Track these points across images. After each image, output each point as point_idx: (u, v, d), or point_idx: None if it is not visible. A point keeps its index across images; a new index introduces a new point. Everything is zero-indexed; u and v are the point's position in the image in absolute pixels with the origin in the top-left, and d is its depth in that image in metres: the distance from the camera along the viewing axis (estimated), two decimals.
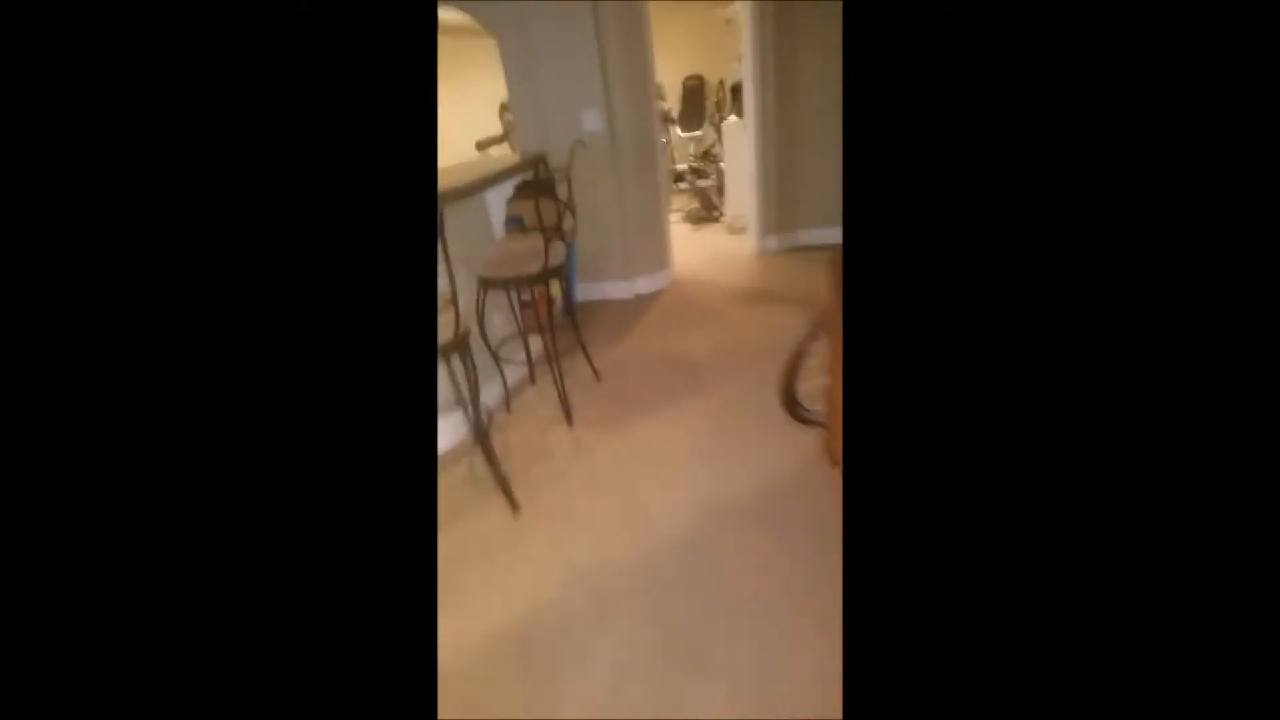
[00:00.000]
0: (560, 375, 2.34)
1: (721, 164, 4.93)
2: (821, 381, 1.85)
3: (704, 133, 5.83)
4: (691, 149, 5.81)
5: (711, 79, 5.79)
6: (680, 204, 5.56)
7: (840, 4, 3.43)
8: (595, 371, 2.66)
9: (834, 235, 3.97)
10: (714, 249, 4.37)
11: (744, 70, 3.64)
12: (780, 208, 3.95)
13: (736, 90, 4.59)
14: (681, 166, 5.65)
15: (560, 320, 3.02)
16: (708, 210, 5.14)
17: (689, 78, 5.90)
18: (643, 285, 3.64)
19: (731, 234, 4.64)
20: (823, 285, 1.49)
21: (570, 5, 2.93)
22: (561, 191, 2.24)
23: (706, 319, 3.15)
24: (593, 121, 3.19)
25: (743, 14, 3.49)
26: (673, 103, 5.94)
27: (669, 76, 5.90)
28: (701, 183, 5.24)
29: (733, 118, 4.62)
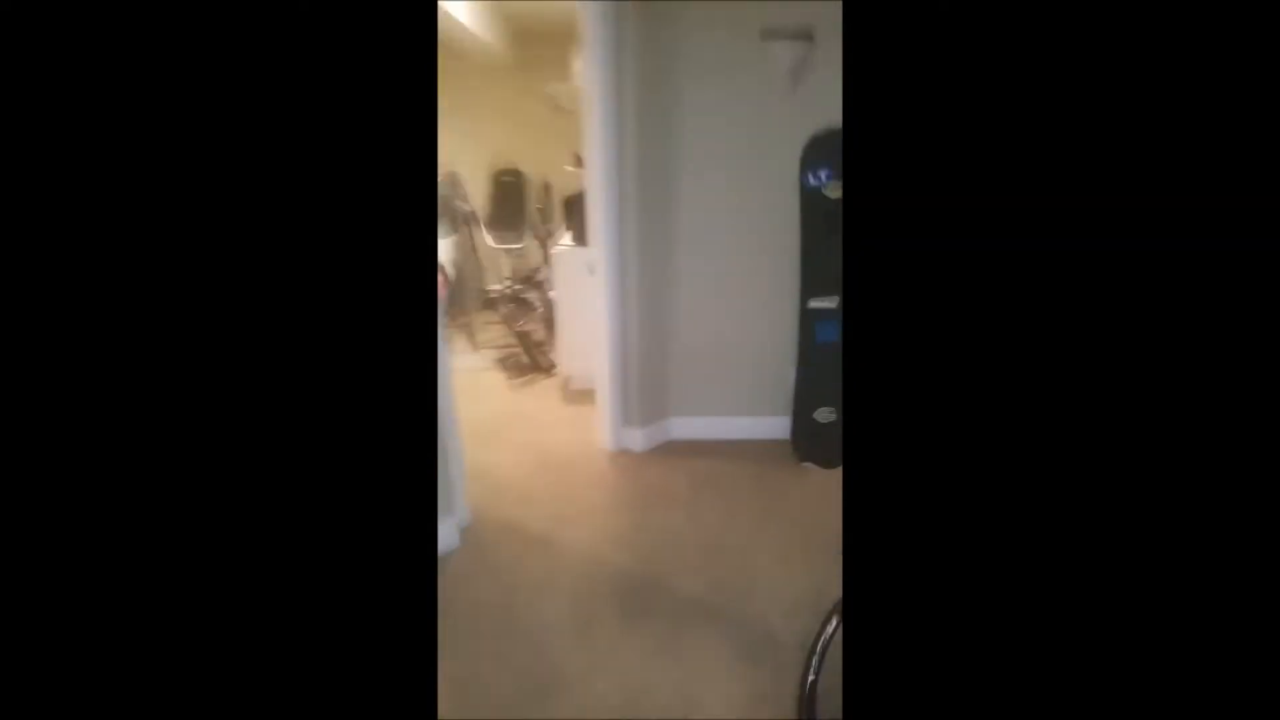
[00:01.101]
0: None
1: (551, 293, 3.47)
2: None
3: (524, 245, 4.38)
4: (507, 269, 4.30)
5: (535, 178, 4.44)
6: (490, 338, 3.95)
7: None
8: None
9: (717, 428, 2.65)
10: (543, 438, 2.77)
11: (589, 179, 2.26)
12: (644, 388, 2.54)
13: (571, 204, 3.25)
14: (495, 288, 4.09)
15: None
16: (533, 359, 3.58)
17: (503, 172, 4.47)
18: None
19: (568, 403, 3.12)
20: None
21: None
22: None
23: (540, 695, 1.46)
24: None
25: (590, 95, 2.15)
26: (479, 203, 4.42)
27: (473, 169, 4.39)
28: (523, 320, 3.71)
29: (567, 239, 3.23)
